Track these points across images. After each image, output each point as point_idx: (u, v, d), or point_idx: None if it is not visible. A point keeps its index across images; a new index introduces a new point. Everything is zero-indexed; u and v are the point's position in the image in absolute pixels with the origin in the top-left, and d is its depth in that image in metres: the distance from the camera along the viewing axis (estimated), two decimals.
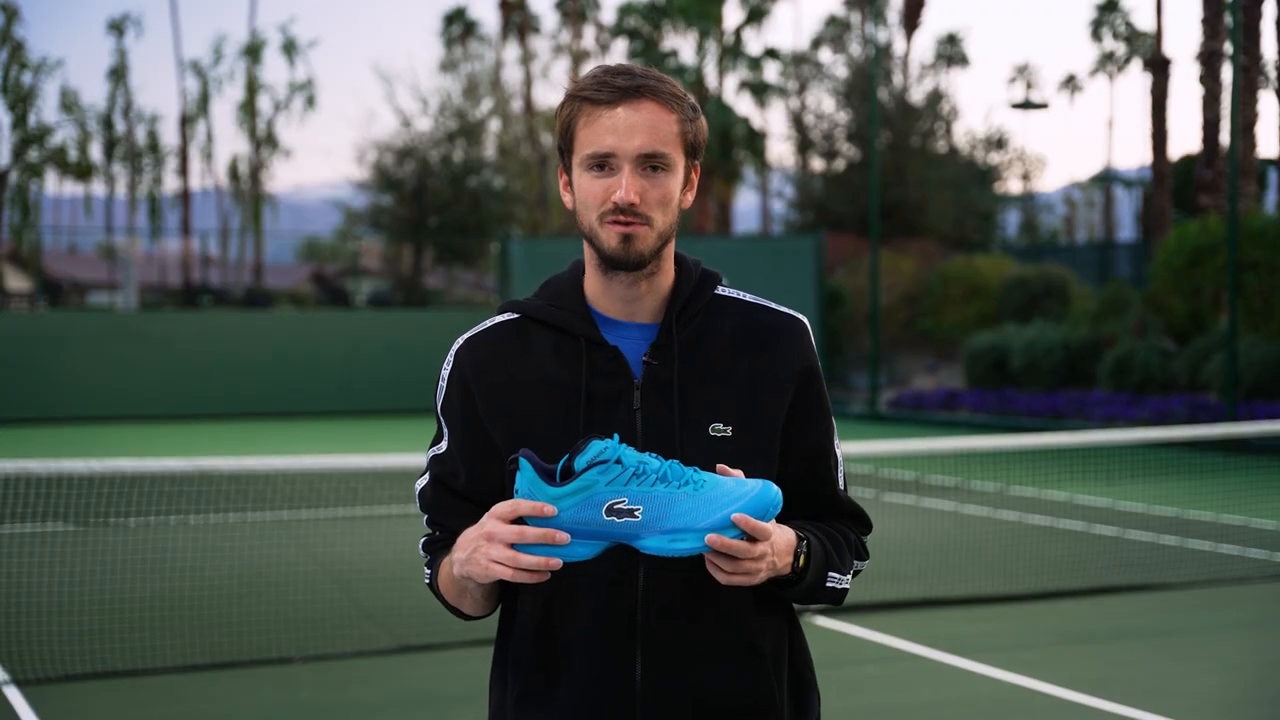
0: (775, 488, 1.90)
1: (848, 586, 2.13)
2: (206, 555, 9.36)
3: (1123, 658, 6.80)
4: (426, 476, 2.17)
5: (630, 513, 1.86)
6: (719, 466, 1.94)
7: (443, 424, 2.15)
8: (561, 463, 1.87)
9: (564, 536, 1.85)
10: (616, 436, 1.89)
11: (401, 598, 7.87)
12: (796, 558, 2.00)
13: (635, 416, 2.05)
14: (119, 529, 10.58)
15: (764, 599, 2.11)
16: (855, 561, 2.17)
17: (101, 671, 6.44)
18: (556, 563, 1.86)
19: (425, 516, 2.19)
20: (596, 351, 2.08)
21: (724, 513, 1.86)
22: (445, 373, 2.14)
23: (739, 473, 1.94)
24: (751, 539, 1.88)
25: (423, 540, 2.20)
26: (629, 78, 2.02)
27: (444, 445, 2.14)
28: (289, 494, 12.38)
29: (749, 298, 2.18)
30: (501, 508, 1.89)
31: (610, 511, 1.86)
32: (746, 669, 2.08)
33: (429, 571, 2.18)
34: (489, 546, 1.88)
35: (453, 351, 2.15)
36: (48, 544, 9.54)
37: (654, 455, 1.90)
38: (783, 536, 1.96)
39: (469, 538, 1.95)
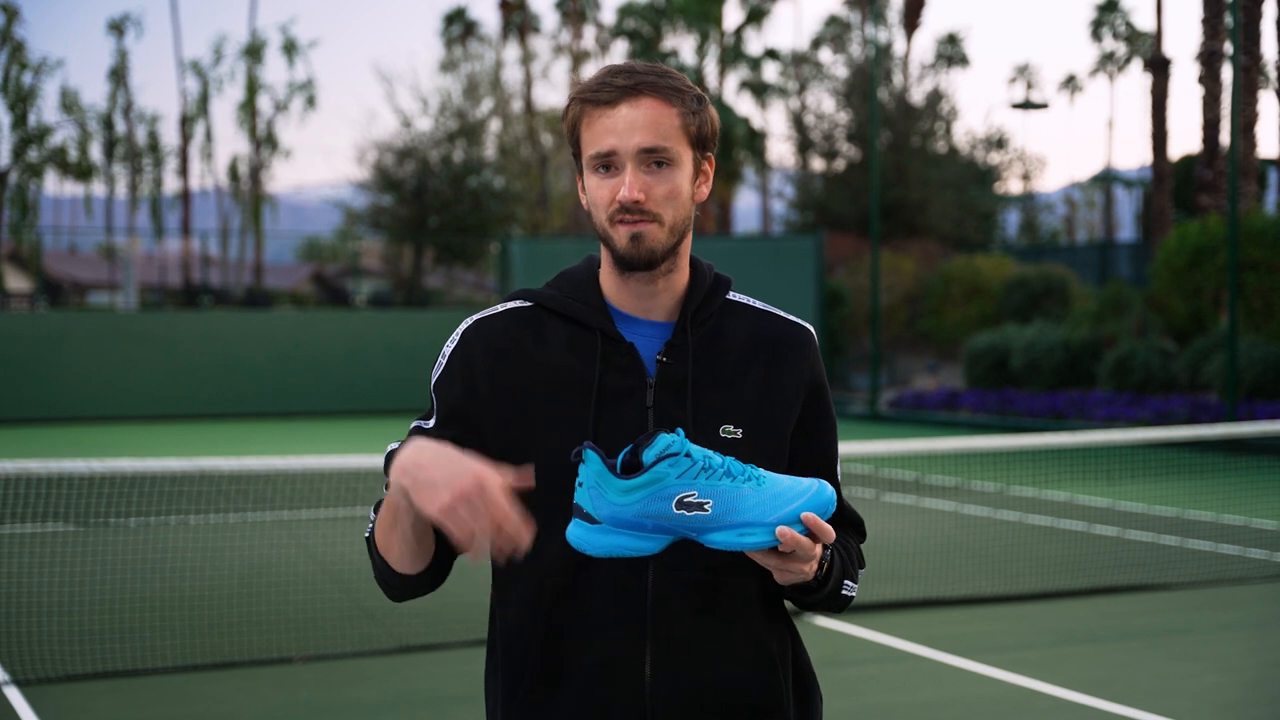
0: (830, 488, 1.90)
1: (855, 594, 2.16)
2: (206, 555, 9.36)
3: (1123, 658, 6.80)
4: (404, 443, 2.09)
5: (700, 506, 1.84)
6: None
7: (435, 401, 2.11)
8: (623, 455, 1.85)
9: (530, 483, 1.81)
10: (681, 431, 1.87)
11: None
12: (820, 565, 2.01)
13: (647, 414, 2.04)
14: (119, 529, 10.57)
15: (770, 601, 2.12)
16: (858, 570, 2.20)
17: (101, 671, 6.44)
18: (526, 542, 1.78)
19: (386, 480, 2.05)
20: (611, 346, 2.07)
21: (789, 509, 1.85)
22: (449, 350, 2.11)
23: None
24: (813, 537, 1.88)
25: (375, 502, 2.11)
26: (629, 76, 2.02)
27: (432, 422, 2.09)
28: (289, 494, 12.38)
29: (758, 305, 2.19)
30: (498, 479, 1.79)
31: (680, 505, 1.83)
32: (755, 669, 2.08)
33: (371, 525, 2.08)
34: (457, 500, 1.76)
35: (459, 330, 2.12)
36: (48, 544, 9.54)
37: (712, 450, 1.89)
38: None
39: (437, 463, 1.81)
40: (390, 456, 2.04)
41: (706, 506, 1.84)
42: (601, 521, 1.85)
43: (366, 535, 2.10)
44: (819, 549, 1.89)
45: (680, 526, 1.85)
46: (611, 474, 1.83)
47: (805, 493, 1.87)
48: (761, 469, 1.90)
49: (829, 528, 1.88)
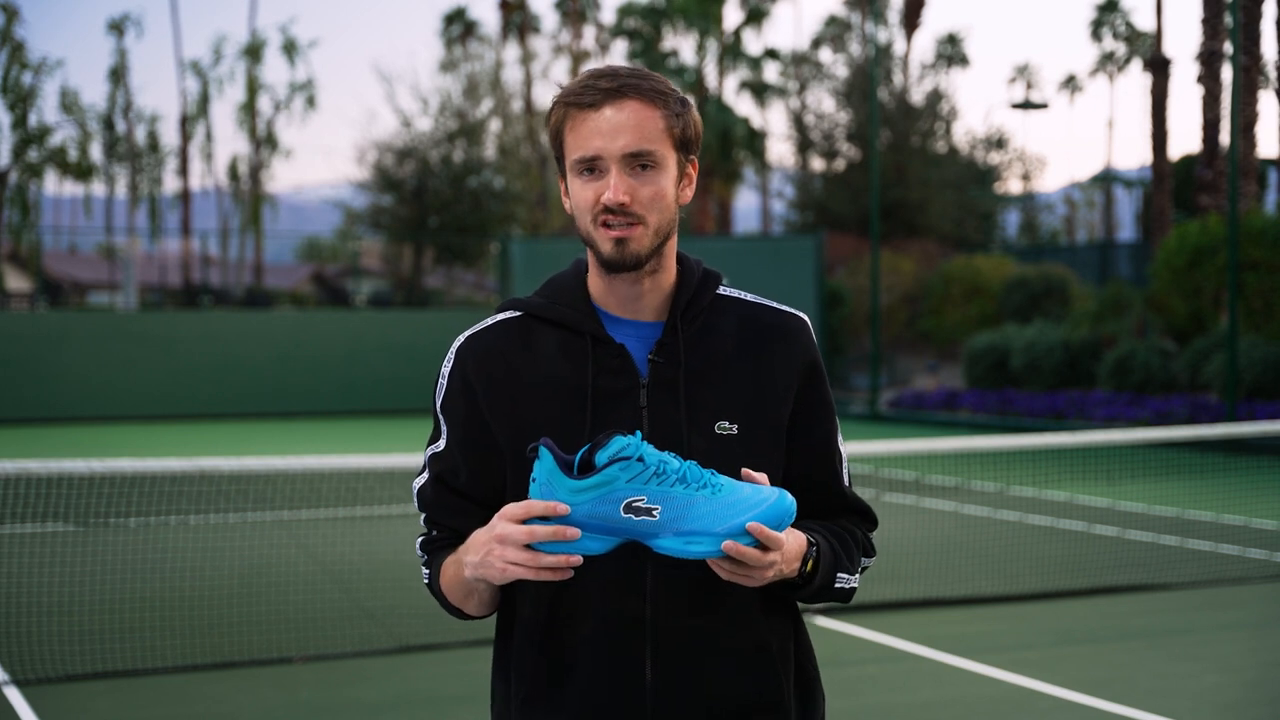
0: (790, 497, 1.90)
1: (856, 585, 2.14)
2: (206, 555, 9.36)
3: (1123, 658, 6.80)
4: (426, 475, 2.16)
5: (648, 511, 1.84)
6: (744, 471, 1.94)
7: (442, 422, 2.14)
8: (580, 455, 1.86)
9: (574, 533, 1.84)
10: (639, 434, 1.87)
11: (401, 598, 7.87)
12: (805, 562, 2.00)
13: (641, 415, 2.04)
14: (119, 529, 10.57)
15: (771, 598, 2.11)
16: (863, 559, 2.18)
17: (101, 671, 6.44)
18: (577, 559, 1.85)
19: (423, 516, 2.18)
20: (602, 349, 2.07)
21: (740, 519, 1.86)
22: (446, 370, 2.13)
23: (763, 477, 1.94)
24: (764, 547, 1.88)
25: (420, 540, 2.19)
26: (612, 79, 2.02)
27: (443, 443, 2.13)
28: (289, 494, 12.39)
29: (750, 297, 2.19)
30: (513, 509, 1.88)
31: (628, 509, 1.84)
32: (755, 667, 2.08)
33: (428, 572, 2.16)
34: (502, 549, 1.88)
35: (454, 349, 2.14)
36: (48, 544, 9.54)
37: (673, 455, 1.89)
38: (794, 543, 1.97)
39: (479, 540, 1.94)
40: (420, 496, 2.17)
41: (655, 512, 1.84)
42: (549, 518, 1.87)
43: (426, 582, 2.18)
44: (771, 556, 1.89)
45: (627, 530, 1.86)
46: (563, 472, 1.85)
47: (761, 503, 1.87)
48: (723, 477, 1.89)
49: (778, 536, 1.88)
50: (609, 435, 1.85)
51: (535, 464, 1.87)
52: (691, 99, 2.13)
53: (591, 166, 2.02)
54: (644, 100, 2.02)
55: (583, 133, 2.01)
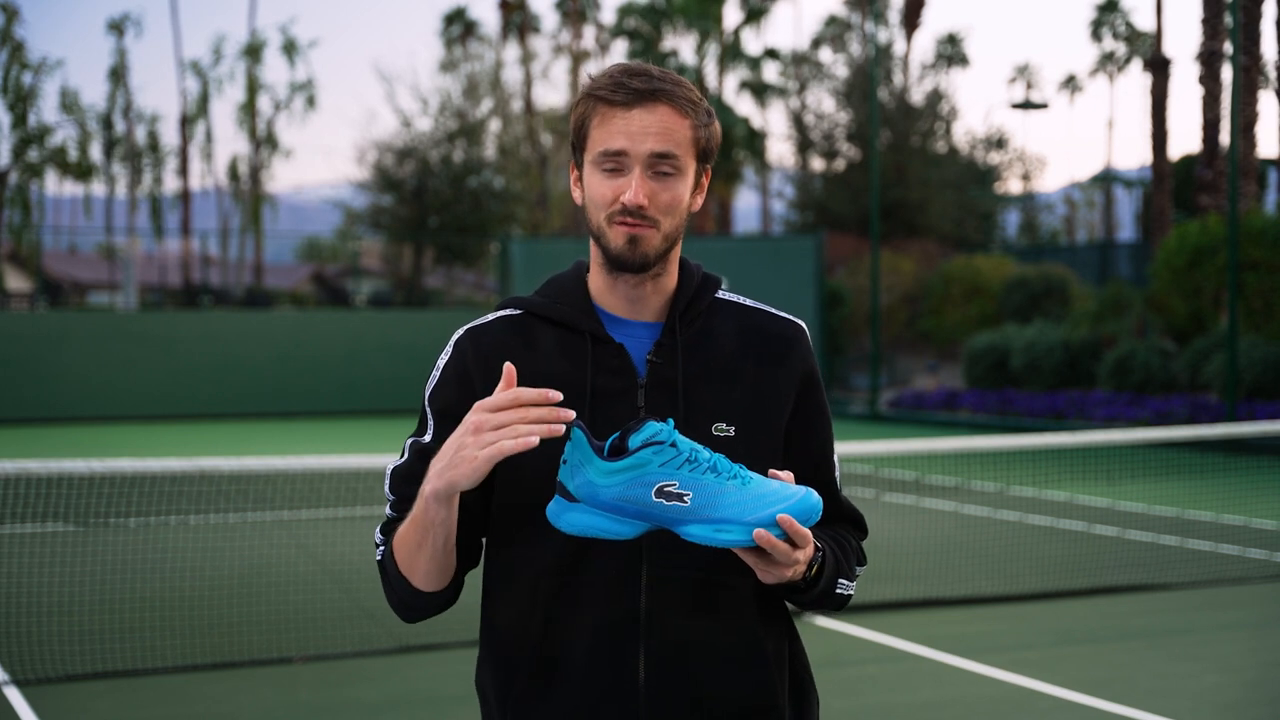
0: (816, 496, 1.90)
1: (853, 593, 2.15)
2: (206, 555, 9.36)
3: (1123, 658, 6.80)
4: (405, 458, 2.12)
5: (680, 497, 1.84)
6: (770, 471, 1.94)
7: (429, 414, 2.11)
8: (611, 440, 1.86)
9: (556, 395, 1.81)
10: (671, 421, 1.87)
11: None
12: (810, 566, 2.00)
13: (639, 414, 2.04)
14: (119, 529, 10.57)
15: (767, 601, 2.11)
16: (857, 567, 2.18)
17: (101, 671, 6.44)
18: (556, 395, 1.81)
19: (390, 500, 2.12)
20: (601, 348, 2.07)
21: (769, 511, 1.85)
22: (443, 361, 2.12)
23: (789, 475, 1.93)
24: (792, 542, 1.87)
25: (381, 524, 2.13)
26: (645, 80, 2.03)
27: (429, 436, 2.10)
28: (289, 494, 12.38)
29: (749, 302, 2.19)
30: (490, 400, 1.83)
31: (660, 493, 1.84)
32: (750, 669, 2.08)
33: (382, 547, 2.09)
34: (478, 436, 1.81)
35: (453, 341, 2.13)
36: (48, 544, 9.55)
37: (703, 446, 1.89)
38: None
39: (447, 446, 1.87)
40: (393, 475, 2.11)
41: (686, 498, 1.84)
42: (580, 500, 1.86)
43: (379, 560, 2.11)
44: (799, 554, 1.88)
45: (658, 515, 1.85)
46: (596, 455, 1.84)
47: (789, 498, 1.87)
48: (751, 472, 1.89)
49: (806, 532, 1.87)
50: (642, 420, 1.85)
51: (567, 446, 1.87)
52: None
53: (614, 164, 2.02)
54: (675, 107, 2.03)
55: (610, 129, 2.02)
